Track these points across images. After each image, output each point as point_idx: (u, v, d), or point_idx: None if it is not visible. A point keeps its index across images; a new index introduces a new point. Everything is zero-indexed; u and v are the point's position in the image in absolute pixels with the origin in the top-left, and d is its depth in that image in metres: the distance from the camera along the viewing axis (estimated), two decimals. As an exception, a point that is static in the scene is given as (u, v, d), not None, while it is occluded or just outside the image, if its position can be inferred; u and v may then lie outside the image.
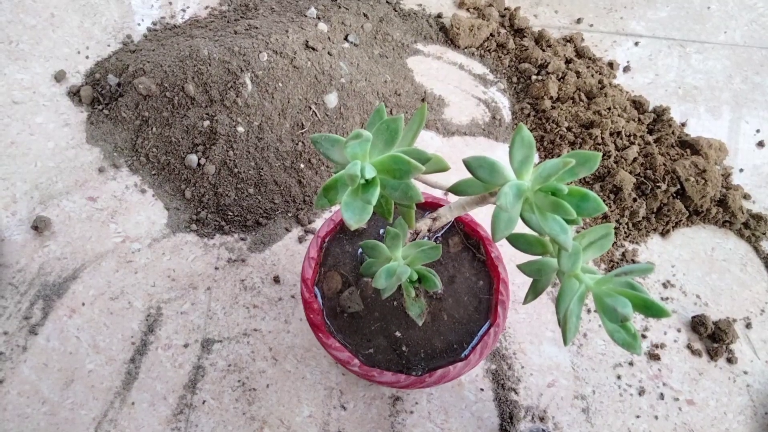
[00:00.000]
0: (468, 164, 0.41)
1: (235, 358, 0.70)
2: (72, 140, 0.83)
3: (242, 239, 0.78)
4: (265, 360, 0.70)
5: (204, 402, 0.66)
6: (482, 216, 0.66)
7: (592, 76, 0.98)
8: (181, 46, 0.82)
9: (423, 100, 0.94)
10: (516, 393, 0.71)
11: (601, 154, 0.37)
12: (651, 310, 0.38)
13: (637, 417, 0.71)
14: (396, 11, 1.06)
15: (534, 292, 0.46)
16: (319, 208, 0.56)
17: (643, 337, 0.77)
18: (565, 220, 0.39)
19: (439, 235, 0.62)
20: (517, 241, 0.44)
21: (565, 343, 0.40)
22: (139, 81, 0.80)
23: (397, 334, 0.56)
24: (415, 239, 0.54)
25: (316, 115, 0.81)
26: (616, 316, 0.37)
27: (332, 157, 0.44)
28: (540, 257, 0.45)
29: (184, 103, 0.79)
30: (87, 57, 0.91)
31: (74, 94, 0.86)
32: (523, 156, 0.40)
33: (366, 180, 0.39)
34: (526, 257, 0.46)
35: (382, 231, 0.62)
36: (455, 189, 0.45)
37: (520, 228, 0.42)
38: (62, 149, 0.82)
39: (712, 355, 0.76)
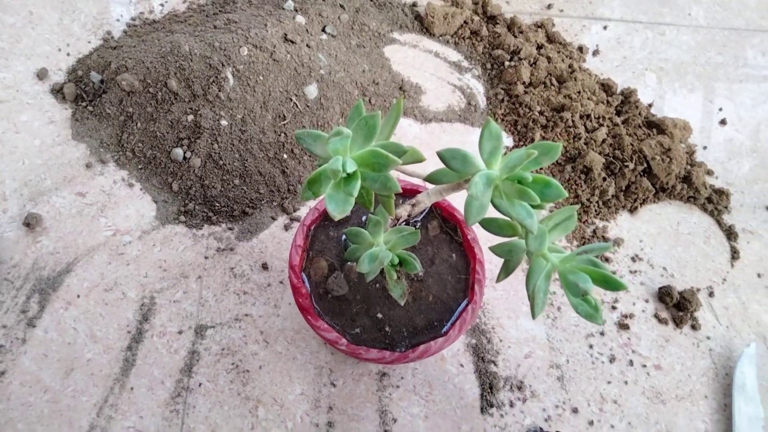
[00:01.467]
0: (442, 156, 0.45)
1: (228, 342, 0.73)
2: (58, 137, 0.84)
3: (230, 229, 0.81)
4: (256, 343, 0.73)
5: (200, 385, 0.70)
6: (459, 201, 0.69)
7: (563, 60, 1.02)
8: (162, 42, 0.84)
9: (401, 88, 0.96)
10: (495, 365, 0.75)
11: (561, 145, 0.41)
12: (609, 284, 0.42)
13: (609, 383, 0.76)
14: (372, 1, 1.08)
15: (506, 271, 0.50)
16: (304, 200, 0.59)
17: (613, 308, 0.82)
18: (531, 205, 0.42)
19: (419, 220, 0.66)
20: (489, 225, 0.48)
21: (533, 316, 0.44)
22: (122, 77, 0.82)
23: (380, 315, 0.60)
24: (395, 225, 0.57)
25: (297, 106, 0.84)
26: (578, 290, 0.41)
27: (315, 151, 0.47)
28: (510, 239, 0.49)
29: (168, 98, 0.81)
30: (68, 54, 0.92)
31: (57, 91, 0.87)
32: (492, 147, 0.43)
33: (347, 174, 0.43)
34: (499, 239, 0.50)
35: (364, 218, 0.66)
36: (431, 178, 0.49)
37: (492, 213, 0.46)
38: (49, 146, 0.84)
39: (678, 323, 0.81)
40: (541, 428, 0.67)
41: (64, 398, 0.67)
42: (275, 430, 0.68)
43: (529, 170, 0.42)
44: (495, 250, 0.48)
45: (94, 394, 0.68)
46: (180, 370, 0.71)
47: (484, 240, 0.65)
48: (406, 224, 0.65)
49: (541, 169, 0.90)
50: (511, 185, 0.42)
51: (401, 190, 0.46)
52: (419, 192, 0.64)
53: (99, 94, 0.85)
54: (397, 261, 0.54)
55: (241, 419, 0.68)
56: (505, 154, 0.44)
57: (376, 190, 0.46)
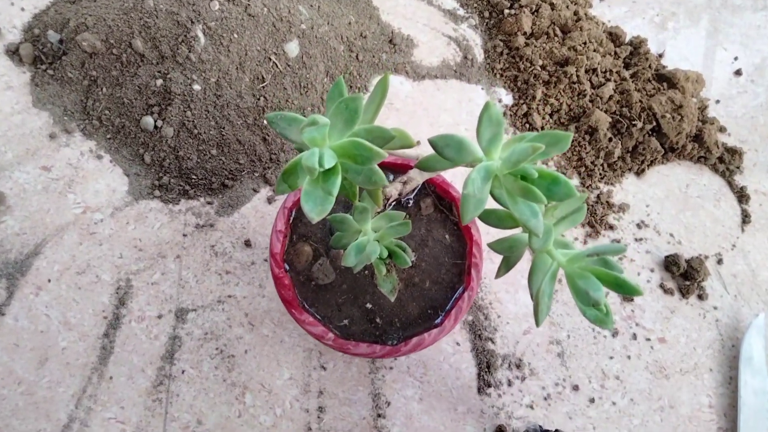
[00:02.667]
0: (434, 144, 0.39)
1: (211, 326, 0.69)
2: (17, 105, 0.77)
3: (209, 203, 0.75)
4: (241, 326, 0.69)
5: (183, 372, 0.67)
6: (454, 177, 0.64)
7: (567, 7, 0.93)
8: (124, -4, 0.76)
9: (391, 41, 0.88)
10: (493, 342, 0.72)
11: (571, 135, 0.35)
12: (623, 288, 0.38)
13: (611, 358, 0.73)
14: (358, -60, 0.98)
15: (506, 267, 0.45)
16: (279, 194, 0.53)
17: (617, 279, 0.78)
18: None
19: (410, 198, 0.60)
20: (487, 217, 0.43)
21: (537, 324, 0.40)
22: (82, 37, 0.74)
23: (370, 305, 0.56)
24: (385, 206, 0.52)
25: (276, 66, 0.76)
26: (588, 300, 0.36)
27: (290, 137, 0.41)
28: (511, 233, 0.44)
29: (133, 60, 0.73)
30: (22, 9, 0.83)
31: (13, 52, 0.79)
32: (492, 134, 0.38)
33: (326, 169, 0.37)
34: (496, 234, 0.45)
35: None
36: (422, 165, 0.43)
37: (490, 203, 0.40)
38: (7, 115, 0.77)
39: (684, 293, 0.77)
40: (540, 426, 0.64)
41: (40, 390, 0.64)
42: (263, 417, 0.65)
43: (534, 162, 0.37)
44: (494, 246, 0.43)
45: (71, 385, 0.64)
46: (161, 357, 0.67)
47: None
48: (396, 203, 0.60)
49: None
50: (513, 181, 0.36)
51: (388, 183, 0.40)
52: (410, 167, 0.58)
53: (59, 56, 0.78)
54: (386, 254, 0.49)
55: (228, 407, 0.65)
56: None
57: (360, 184, 0.40)
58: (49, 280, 0.69)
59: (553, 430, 0.63)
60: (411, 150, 0.47)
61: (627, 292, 0.37)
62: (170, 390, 0.66)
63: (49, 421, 0.63)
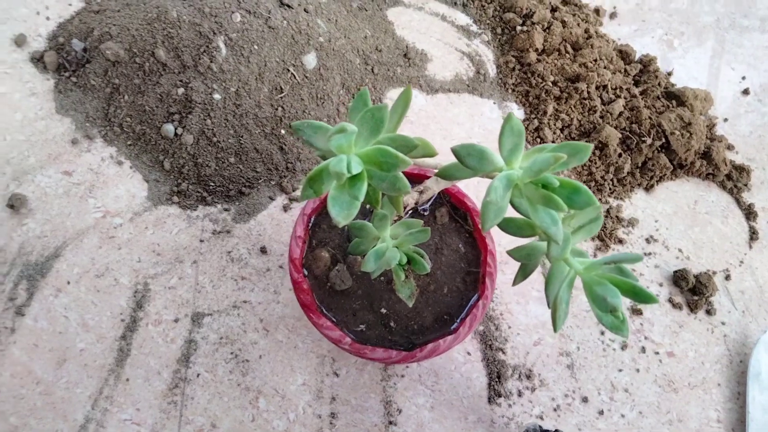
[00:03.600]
0: (456, 153, 0.40)
1: (226, 330, 0.70)
2: (41, 111, 0.79)
3: (226, 210, 0.77)
4: (256, 331, 0.70)
5: (198, 375, 0.67)
6: (469, 187, 0.65)
7: (578, 25, 0.95)
8: (147, 7, 0.78)
9: (405, 55, 0.90)
10: (503, 353, 0.73)
11: (592, 146, 0.36)
12: (639, 296, 0.39)
13: (620, 370, 0.73)
14: (374, -43, 1.01)
15: (523, 275, 0.46)
16: (304, 199, 0.55)
17: (626, 292, 0.79)
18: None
19: (426, 207, 0.62)
20: (507, 226, 0.44)
21: (555, 329, 0.41)
22: (106, 46, 0.76)
23: (385, 310, 0.57)
24: (403, 215, 0.53)
25: (294, 77, 0.78)
26: (606, 306, 0.38)
27: (316, 144, 0.43)
28: (529, 241, 0.45)
29: (156, 69, 0.75)
30: (48, 18, 0.86)
31: (38, 60, 0.81)
32: (513, 144, 0.39)
33: (353, 174, 0.38)
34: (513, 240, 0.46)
35: (369, 205, 0.62)
36: (443, 174, 0.45)
37: (509, 212, 0.42)
38: (31, 121, 0.78)
39: (692, 308, 0.78)
40: (540, 426, 0.64)
41: (58, 390, 0.65)
42: (277, 422, 0.66)
43: (555, 172, 0.38)
44: (513, 254, 0.44)
45: (88, 386, 0.65)
46: (177, 360, 0.68)
47: (496, 230, 0.61)
48: (413, 212, 0.61)
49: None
50: (535, 190, 0.37)
51: (411, 191, 0.42)
52: (427, 177, 0.60)
53: (82, 64, 0.80)
54: (405, 260, 0.50)
55: (242, 411, 0.66)
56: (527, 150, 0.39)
57: (384, 190, 0.41)
58: (69, 283, 0.70)
59: (553, 430, 0.64)
60: (430, 159, 0.48)
61: (643, 299, 0.38)
62: (185, 393, 0.66)
63: (65, 422, 0.63)
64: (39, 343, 0.67)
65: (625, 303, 0.78)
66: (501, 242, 0.76)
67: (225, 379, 0.68)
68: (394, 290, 0.57)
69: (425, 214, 0.61)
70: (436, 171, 0.45)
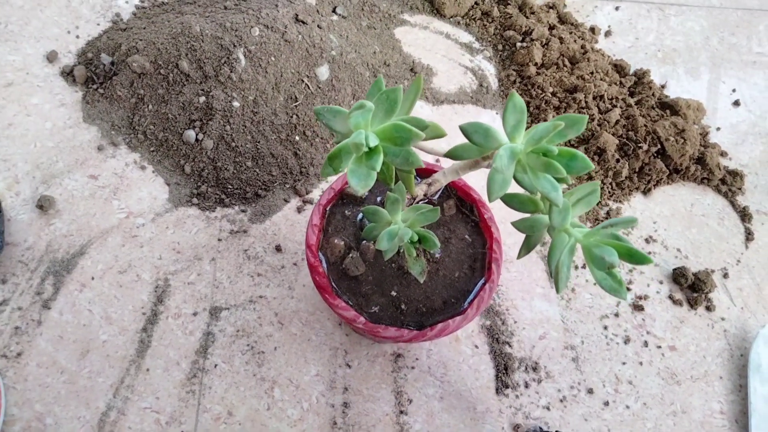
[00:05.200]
0: (464, 130, 0.44)
1: (242, 323, 0.73)
2: (69, 120, 0.84)
3: (243, 211, 0.80)
4: (271, 324, 0.73)
5: (216, 366, 0.70)
6: (475, 180, 0.69)
7: (575, 41, 1.01)
8: (172, 23, 0.83)
9: (412, 70, 0.96)
10: (510, 346, 0.75)
11: (587, 117, 0.40)
12: (634, 257, 0.42)
13: (623, 363, 0.76)
14: (381, -19, 1.07)
15: (527, 247, 0.49)
16: (324, 177, 0.59)
17: (628, 289, 0.81)
18: (555, 179, 0.42)
19: (434, 199, 0.65)
20: (511, 200, 0.48)
21: (558, 291, 0.44)
22: (132, 59, 0.81)
23: (396, 293, 0.60)
24: (412, 204, 0.57)
25: (308, 87, 0.83)
26: (604, 263, 0.41)
27: (335, 127, 0.47)
28: (532, 215, 0.48)
29: (179, 79, 0.80)
30: (77, 37, 0.92)
31: (68, 74, 0.87)
32: (516, 121, 0.43)
33: (369, 148, 0.42)
34: (518, 217, 0.49)
35: (379, 198, 0.65)
36: (452, 154, 0.48)
37: (513, 189, 0.45)
38: (60, 129, 0.83)
39: (692, 304, 0.80)
40: (540, 428, 0.67)
41: (81, 379, 0.68)
42: (291, 411, 0.68)
43: (554, 143, 0.42)
44: (517, 225, 0.48)
45: (110, 375, 0.68)
46: (195, 352, 0.71)
47: (500, 220, 0.65)
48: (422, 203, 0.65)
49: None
50: (536, 158, 0.41)
51: (423, 165, 0.45)
52: (435, 171, 0.64)
53: (109, 77, 0.85)
54: (416, 238, 0.53)
55: (257, 400, 0.69)
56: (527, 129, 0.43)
57: (398, 165, 0.45)
58: (93, 278, 0.74)
59: (554, 431, 0.66)
60: (438, 145, 0.52)
61: (638, 260, 0.42)
62: (203, 383, 0.69)
63: (88, 409, 0.66)
64: (64, 335, 0.70)
65: (626, 299, 0.81)
66: (506, 241, 0.80)
67: (241, 369, 0.70)
68: (405, 276, 0.61)
69: (434, 205, 0.65)
70: (444, 153, 0.49)
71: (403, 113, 0.48)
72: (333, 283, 0.60)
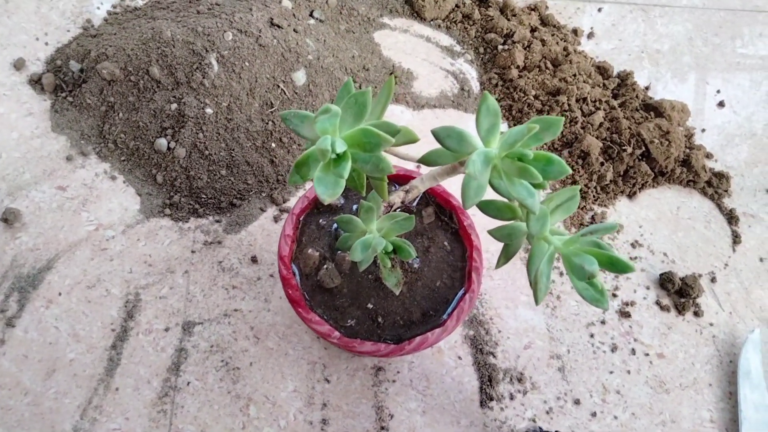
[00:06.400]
0: (436, 134, 0.42)
1: (217, 338, 0.70)
2: (37, 129, 0.81)
3: (217, 221, 0.78)
4: (247, 339, 0.71)
5: (188, 383, 0.67)
6: (454, 187, 0.67)
7: (557, 43, 0.99)
8: (143, 29, 0.81)
9: (391, 74, 0.94)
10: (494, 356, 0.73)
11: (563, 119, 0.38)
12: (616, 266, 0.40)
13: (611, 372, 0.74)
14: (360, -15, 1.05)
15: (506, 256, 0.47)
16: (292, 185, 0.56)
17: (614, 296, 0.80)
18: (532, 185, 0.40)
19: (413, 207, 0.63)
20: (487, 207, 0.46)
21: (537, 302, 0.42)
22: (102, 66, 0.78)
23: (373, 306, 0.57)
24: (389, 212, 0.55)
25: (284, 93, 0.81)
26: (584, 273, 0.39)
27: (302, 133, 0.44)
28: (510, 222, 0.46)
29: (150, 86, 0.78)
30: (46, 44, 0.89)
31: (36, 82, 0.84)
32: (490, 124, 0.41)
33: (337, 154, 0.40)
34: (497, 224, 0.47)
35: (355, 207, 0.63)
36: (425, 160, 0.46)
37: (490, 195, 0.43)
38: (27, 139, 0.80)
39: (680, 310, 0.79)
40: (540, 428, 0.64)
41: (46, 401, 0.64)
42: (267, 429, 0.66)
43: (529, 147, 0.40)
44: (494, 233, 0.46)
45: (77, 396, 0.65)
46: (167, 369, 0.68)
47: (480, 227, 0.63)
48: (400, 212, 0.63)
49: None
50: (510, 163, 0.39)
51: (394, 171, 0.43)
52: (412, 178, 0.62)
53: (79, 84, 0.82)
54: (391, 248, 0.51)
55: (232, 418, 0.66)
56: (502, 133, 0.41)
57: (368, 172, 0.43)
58: (60, 294, 0.71)
59: (554, 430, 0.64)
60: (413, 150, 0.50)
61: (620, 268, 0.40)
62: (175, 401, 0.66)
63: (54, 432, 0.63)
64: (29, 354, 0.67)
65: (612, 306, 0.79)
66: (489, 249, 0.78)
67: (215, 386, 0.67)
68: (383, 288, 0.58)
69: (412, 213, 0.63)
70: (418, 158, 0.47)
71: (375, 117, 0.46)
72: (307, 296, 0.57)
